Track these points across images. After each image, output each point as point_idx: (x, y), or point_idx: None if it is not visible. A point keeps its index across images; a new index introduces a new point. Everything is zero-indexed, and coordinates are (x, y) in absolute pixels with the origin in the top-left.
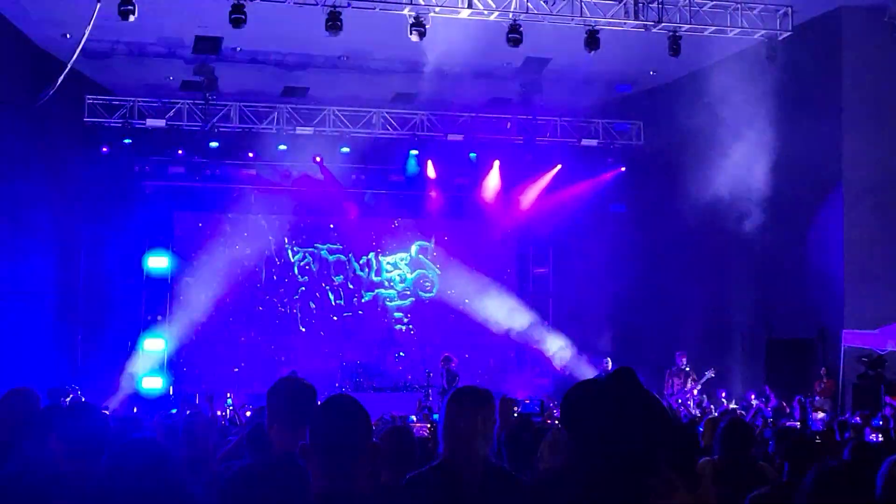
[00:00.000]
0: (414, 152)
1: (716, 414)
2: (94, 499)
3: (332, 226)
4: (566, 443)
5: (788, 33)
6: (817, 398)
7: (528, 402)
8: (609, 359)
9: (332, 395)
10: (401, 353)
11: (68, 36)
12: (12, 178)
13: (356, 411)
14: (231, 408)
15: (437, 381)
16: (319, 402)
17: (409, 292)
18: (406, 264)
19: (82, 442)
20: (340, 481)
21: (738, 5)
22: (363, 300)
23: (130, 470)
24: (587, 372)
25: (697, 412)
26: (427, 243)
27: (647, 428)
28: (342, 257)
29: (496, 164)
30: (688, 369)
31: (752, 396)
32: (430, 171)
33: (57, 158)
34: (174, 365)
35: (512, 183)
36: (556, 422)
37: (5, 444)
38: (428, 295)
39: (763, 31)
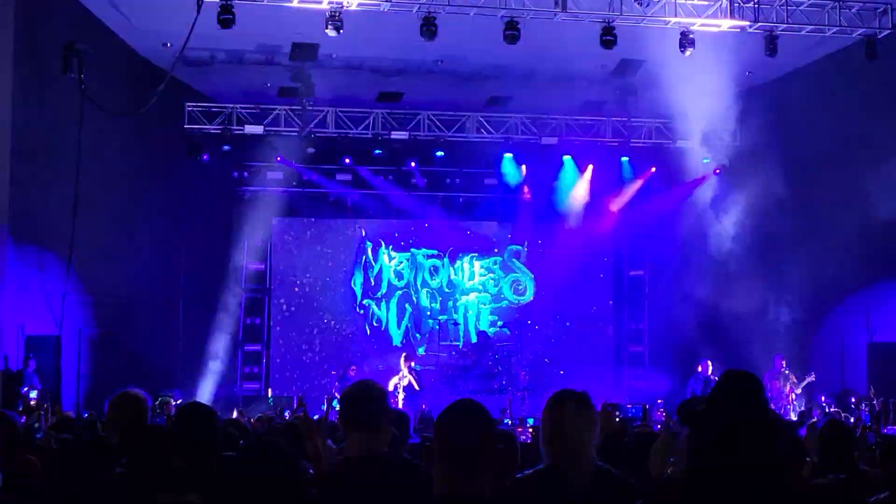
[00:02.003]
0: (508, 156)
1: (815, 418)
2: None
3: (427, 229)
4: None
5: (888, 31)
6: None
7: (629, 406)
8: (709, 361)
9: (457, 400)
10: (495, 356)
11: (168, 45)
12: (117, 184)
13: (480, 415)
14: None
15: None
16: (445, 407)
17: (502, 296)
18: (499, 268)
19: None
20: (463, 483)
21: (836, 3)
22: (458, 303)
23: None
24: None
25: (794, 417)
26: (520, 247)
27: (767, 433)
28: (438, 262)
29: (590, 167)
30: (787, 372)
31: (852, 400)
32: (524, 175)
33: (158, 164)
34: (272, 368)
35: (606, 185)
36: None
37: (119, 445)
38: (521, 299)
39: (862, 30)
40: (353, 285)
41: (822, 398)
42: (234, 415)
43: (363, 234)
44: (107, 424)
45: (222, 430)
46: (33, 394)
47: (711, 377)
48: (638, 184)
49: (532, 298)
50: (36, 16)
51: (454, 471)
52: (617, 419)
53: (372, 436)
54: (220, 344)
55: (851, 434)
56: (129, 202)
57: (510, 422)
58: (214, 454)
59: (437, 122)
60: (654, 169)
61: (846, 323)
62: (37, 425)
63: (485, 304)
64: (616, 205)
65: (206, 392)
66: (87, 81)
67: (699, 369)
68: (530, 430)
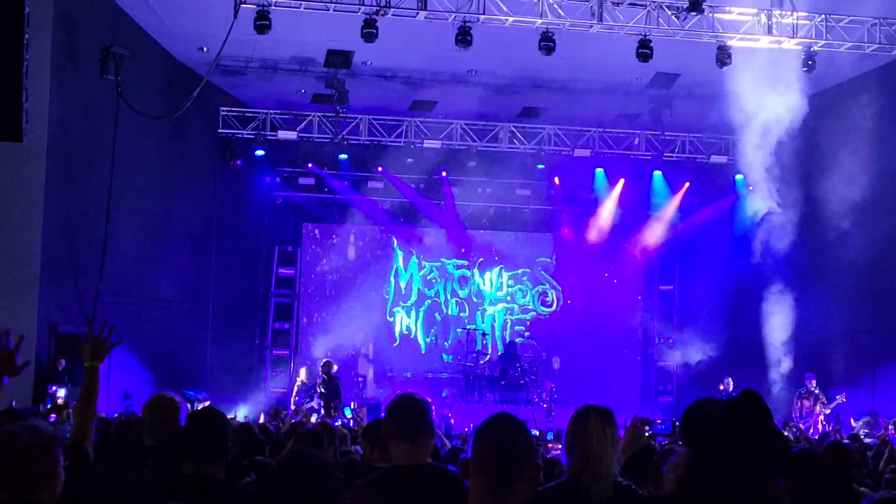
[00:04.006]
0: (540, 166)
1: (845, 438)
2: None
3: (457, 239)
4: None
5: None
6: None
7: (659, 422)
8: (730, 378)
9: (494, 413)
10: (522, 367)
11: (205, 50)
12: (150, 187)
13: (518, 429)
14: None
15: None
16: (484, 420)
17: (530, 307)
18: (527, 279)
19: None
20: (499, 496)
21: (876, 21)
22: (486, 314)
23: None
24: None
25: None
26: (548, 259)
27: (768, 450)
28: (467, 272)
29: (621, 181)
30: (817, 392)
31: (881, 421)
32: (556, 187)
33: (191, 168)
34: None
35: (638, 199)
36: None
37: (151, 448)
38: (548, 310)
39: None
40: (383, 293)
41: (851, 419)
42: (262, 419)
43: (394, 242)
44: (140, 426)
45: (251, 434)
46: (61, 392)
47: (732, 394)
48: (675, 202)
49: (560, 310)
50: (74, 18)
51: (491, 483)
52: (647, 433)
53: (413, 446)
54: (248, 348)
55: (851, 456)
56: (162, 204)
57: (537, 432)
58: (225, 462)
59: (470, 132)
60: (687, 184)
61: (877, 343)
62: (66, 425)
63: (512, 315)
64: (648, 218)
65: (234, 396)
66: (124, 84)
67: (721, 387)
68: (559, 446)
